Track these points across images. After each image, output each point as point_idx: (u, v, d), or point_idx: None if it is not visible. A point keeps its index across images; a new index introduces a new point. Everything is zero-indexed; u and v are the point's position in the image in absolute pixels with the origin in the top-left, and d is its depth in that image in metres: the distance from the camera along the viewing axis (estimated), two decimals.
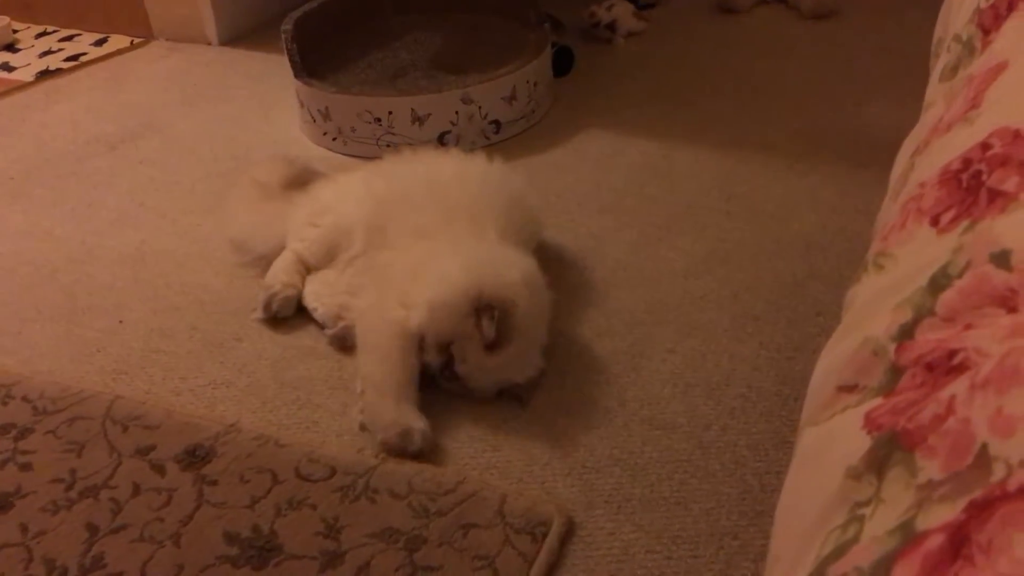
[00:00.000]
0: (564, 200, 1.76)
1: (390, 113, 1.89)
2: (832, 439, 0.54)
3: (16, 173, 1.96)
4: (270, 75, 2.40)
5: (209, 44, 2.65)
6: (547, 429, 1.21)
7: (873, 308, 0.61)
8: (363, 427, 1.22)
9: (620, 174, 1.85)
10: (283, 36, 2.05)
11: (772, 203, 1.71)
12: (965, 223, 0.59)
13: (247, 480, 1.14)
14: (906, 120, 0.96)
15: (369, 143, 1.93)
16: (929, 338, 0.53)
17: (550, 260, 1.51)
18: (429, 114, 1.89)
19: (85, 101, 2.31)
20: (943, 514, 0.41)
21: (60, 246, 1.69)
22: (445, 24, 2.34)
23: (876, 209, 0.90)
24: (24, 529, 1.08)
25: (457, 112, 1.91)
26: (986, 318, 0.51)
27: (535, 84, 2.03)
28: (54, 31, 2.83)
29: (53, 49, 2.68)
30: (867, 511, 0.46)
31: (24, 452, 1.19)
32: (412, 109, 1.89)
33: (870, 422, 0.51)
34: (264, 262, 1.53)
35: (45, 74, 2.49)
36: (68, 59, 2.59)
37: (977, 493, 0.41)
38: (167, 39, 2.70)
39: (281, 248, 1.51)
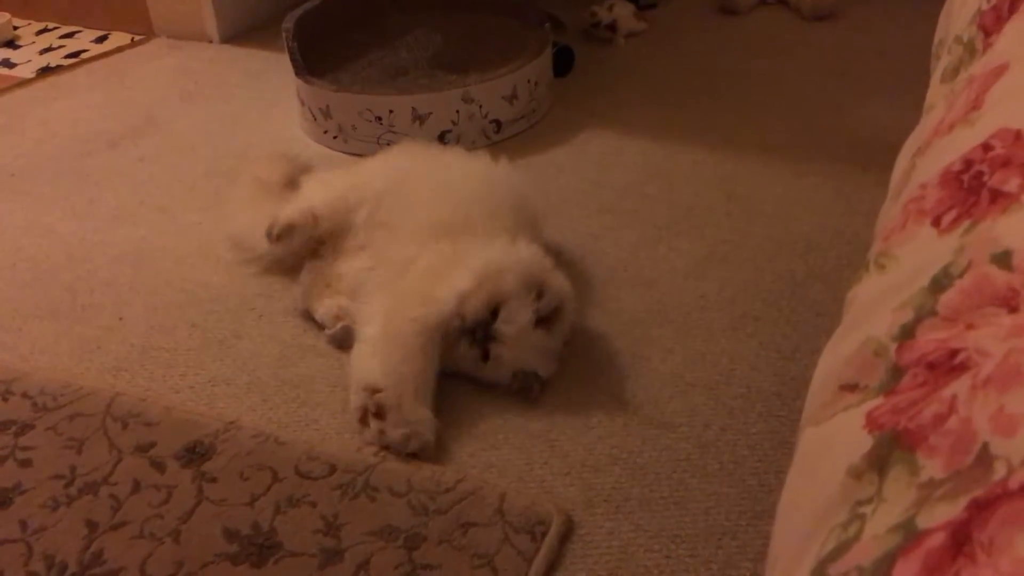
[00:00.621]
0: (564, 200, 1.76)
1: (391, 112, 1.90)
2: (833, 438, 0.55)
3: (16, 169, 1.96)
4: (271, 73, 2.40)
5: (210, 42, 2.65)
6: (546, 428, 1.22)
7: (874, 308, 0.61)
8: (368, 420, 1.19)
9: (620, 174, 1.85)
10: (284, 34, 2.05)
11: (772, 203, 1.71)
12: (966, 224, 0.59)
13: (247, 477, 1.14)
14: (906, 121, 0.96)
15: (370, 141, 1.93)
16: (930, 338, 0.53)
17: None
18: (430, 113, 1.90)
19: (86, 98, 2.31)
20: (944, 513, 0.41)
21: (60, 243, 1.69)
22: (446, 23, 2.34)
23: (876, 210, 0.90)
24: (24, 525, 1.08)
25: (458, 111, 1.91)
26: (987, 318, 0.52)
27: (536, 84, 2.03)
28: (55, 28, 2.82)
29: (54, 46, 2.68)
30: (868, 510, 0.46)
31: (24, 448, 1.19)
32: (413, 108, 1.89)
33: (871, 421, 0.51)
34: (264, 260, 1.54)
35: (46, 71, 2.49)
36: (69, 56, 2.59)
37: (978, 492, 0.41)
38: (168, 37, 2.70)
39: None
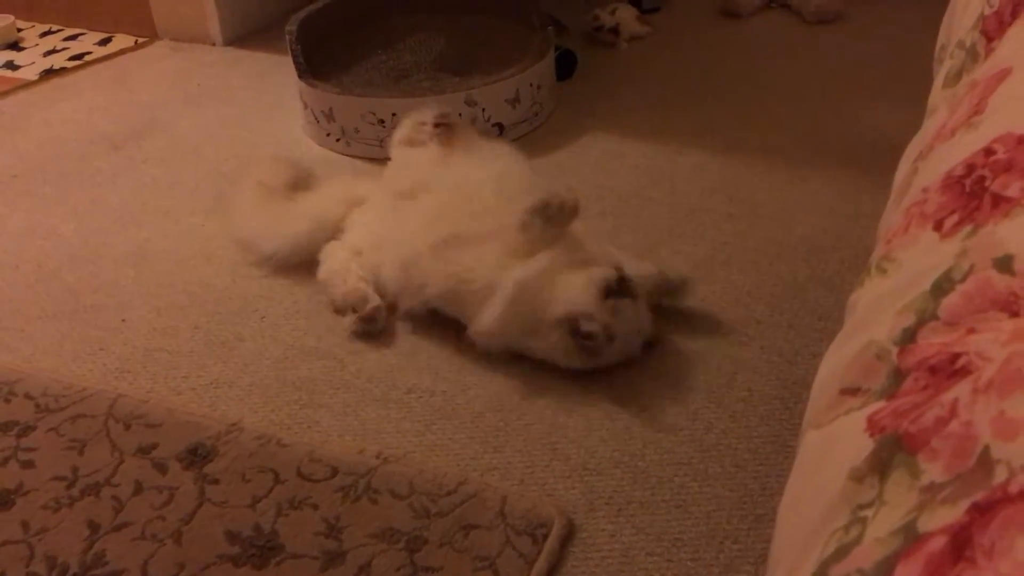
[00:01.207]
0: None
1: (393, 115, 1.89)
2: (835, 441, 0.55)
3: (20, 171, 1.96)
4: (274, 76, 2.40)
5: (213, 44, 2.65)
6: (548, 431, 1.22)
7: (876, 312, 0.61)
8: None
9: (622, 177, 1.85)
10: (287, 37, 2.06)
11: (774, 207, 1.71)
12: (968, 228, 0.59)
13: (249, 479, 1.14)
14: (909, 125, 0.96)
15: (372, 144, 1.93)
16: (932, 342, 0.53)
17: None
18: None
19: (89, 100, 2.32)
20: (945, 516, 0.41)
21: (63, 244, 1.69)
22: (449, 26, 2.34)
23: (878, 214, 0.90)
24: (26, 526, 1.08)
25: (460, 114, 1.91)
26: (989, 322, 0.52)
27: (538, 87, 2.03)
28: (59, 30, 2.83)
29: (57, 48, 2.69)
30: (869, 513, 0.46)
31: (26, 449, 1.20)
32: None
33: (873, 425, 0.51)
34: (271, 262, 1.55)
35: (49, 73, 2.49)
36: (72, 58, 2.60)
37: (979, 495, 0.41)
38: (171, 39, 2.70)
39: (286, 247, 1.53)
